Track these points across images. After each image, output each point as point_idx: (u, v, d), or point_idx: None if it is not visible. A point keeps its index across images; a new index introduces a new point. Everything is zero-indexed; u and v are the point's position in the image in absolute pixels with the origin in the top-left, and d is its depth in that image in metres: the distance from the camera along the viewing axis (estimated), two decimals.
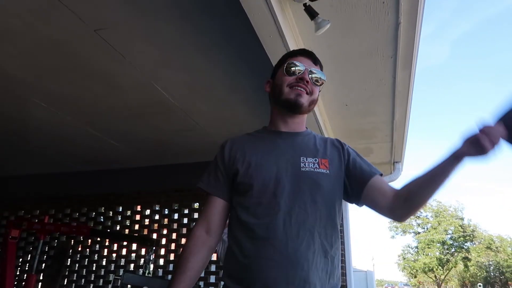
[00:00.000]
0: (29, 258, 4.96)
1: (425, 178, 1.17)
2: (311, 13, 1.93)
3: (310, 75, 1.31)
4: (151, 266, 3.50)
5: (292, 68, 1.31)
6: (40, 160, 4.85)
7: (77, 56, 2.65)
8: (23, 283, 4.00)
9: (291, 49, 2.12)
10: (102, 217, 4.95)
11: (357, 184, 1.30)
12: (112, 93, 3.15)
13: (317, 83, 1.33)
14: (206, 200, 1.35)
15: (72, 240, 4.83)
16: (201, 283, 4.16)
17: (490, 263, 39.54)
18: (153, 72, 2.85)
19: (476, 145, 1.04)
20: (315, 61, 1.36)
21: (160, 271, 4.37)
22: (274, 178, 1.22)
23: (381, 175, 1.33)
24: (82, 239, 4.79)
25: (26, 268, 4.91)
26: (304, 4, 1.93)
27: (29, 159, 4.85)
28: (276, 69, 1.41)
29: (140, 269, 4.36)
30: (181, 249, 4.36)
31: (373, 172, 1.32)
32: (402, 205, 1.22)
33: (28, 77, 2.94)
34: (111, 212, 4.91)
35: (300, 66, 1.31)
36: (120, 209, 4.88)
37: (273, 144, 1.31)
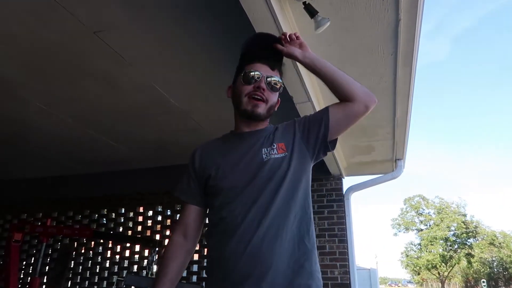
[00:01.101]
0: (32, 261, 4.97)
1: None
2: (311, 12, 1.92)
3: (267, 82, 1.34)
4: (154, 267, 3.50)
5: (249, 78, 1.35)
6: (42, 163, 4.85)
7: (77, 58, 2.65)
8: (27, 286, 4.00)
9: None
10: (104, 219, 4.95)
11: (322, 132, 1.33)
12: (113, 94, 3.15)
13: (274, 88, 1.36)
14: (182, 207, 1.47)
15: (75, 243, 4.83)
16: (204, 284, 4.15)
17: (494, 259, 39.48)
18: (153, 73, 2.85)
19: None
20: (273, 66, 1.39)
21: None
22: (242, 177, 1.28)
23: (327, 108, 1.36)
24: (85, 241, 4.79)
25: (30, 271, 4.91)
26: (304, 3, 1.93)
27: (31, 162, 4.86)
28: (236, 75, 1.47)
29: (143, 271, 4.36)
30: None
31: (324, 110, 1.36)
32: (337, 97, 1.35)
33: (28, 80, 2.94)
34: (113, 214, 4.92)
35: (256, 73, 1.35)
36: (123, 210, 4.89)
37: (238, 145, 1.38)
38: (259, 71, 1.36)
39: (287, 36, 1.39)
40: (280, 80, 1.40)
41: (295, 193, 1.28)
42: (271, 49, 1.42)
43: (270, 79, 1.35)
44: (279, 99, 1.44)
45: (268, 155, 1.31)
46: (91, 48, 2.52)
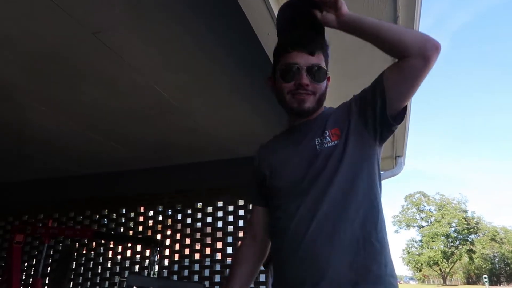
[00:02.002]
0: (34, 262, 4.97)
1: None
2: None
3: (308, 75, 1.18)
4: (156, 267, 3.51)
5: (287, 74, 1.19)
6: (42, 164, 4.85)
7: (76, 59, 2.65)
8: (29, 287, 4.01)
9: None
10: (105, 219, 4.96)
11: (379, 105, 1.11)
12: (112, 96, 3.15)
13: (318, 78, 1.19)
14: (252, 210, 1.42)
15: (77, 243, 4.84)
16: (207, 283, 4.16)
17: (495, 254, 39.50)
18: (152, 73, 2.85)
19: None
20: (312, 50, 1.20)
21: (165, 272, 4.38)
22: (293, 174, 1.18)
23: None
24: (86, 242, 4.80)
25: (32, 272, 4.92)
26: None
27: (32, 164, 4.86)
28: (274, 66, 1.30)
29: (145, 270, 4.37)
30: (186, 249, 4.38)
31: (378, 76, 1.15)
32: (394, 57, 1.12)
33: (27, 82, 2.94)
34: (114, 214, 4.92)
35: (295, 68, 1.18)
36: (124, 211, 4.89)
37: (291, 140, 1.28)
38: (297, 63, 1.18)
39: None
40: (324, 66, 1.21)
41: (355, 183, 1.11)
42: (306, 27, 1.21)
43: (311, 69, 1.18)
44: (329, 76, 1.26)
45: (321, 145, 1.16)
46: (90, 49, 2.52)
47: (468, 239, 38.25)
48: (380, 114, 1.11)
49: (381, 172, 1.22)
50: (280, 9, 1.27)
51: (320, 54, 1.22)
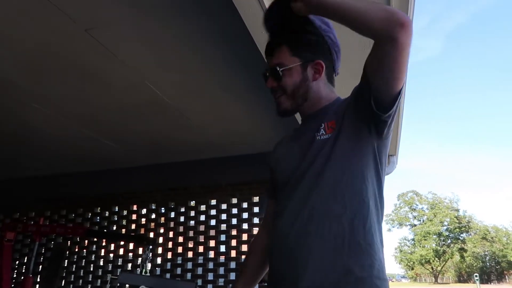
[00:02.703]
0: (25, 260, 4.94)
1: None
2: None
3: (271, 76, 1.18)
4: (149, 265, 3.50)
5: (265, 81, 1.23)
6: (34, 162, 4.81)
7: (69, 56, 2.62)
8: (20, 285, 3.98)
9: None
10: (98, 217, 4.94)
11: (367, 94, 1.03)
12: (105, 93, 3.13)
13: (277, 75, 1.16)
14: (267, 204, 1.42)
15: (69, 241, 4.81)
16: (199, 281, 4.16)
17: (486, 253, 39.94)
18: (146, 71, 2.83)
19: None
20: (271, 52, 1.20)
21: (158, 270, 4.37)
22: (289, 167, 1.18)
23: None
24: (78, 240, 4.78)
25: (23, 270, 4.89)
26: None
27: (23, 161, 4.82)
28: None
29: (137, 269, 4.36)
30: (179, 247, 4.38)
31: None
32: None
33: (20, 79, 2.91)
34: (107, 212, 4.90)
35: (264, 76, 1.22)
36: (116, 209, 4.87)
37: (296, 133, 1.28)
38: (265, 70, 1.21)
39: None
40: (279, 62, 1.16)
41: (345, 178, 1.05)
42: (270, 28, 1.21)
43: (271, 71, 1.18)
44: (319, 62, 1.19)
45: (316, 138, 1.12)
46: (83, 46, 2.50)
47: (460, 237, 38.63)
48: (369, 106, 1.02)
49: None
50: (263, 18, 1.23)
51: (282, 47, 1.18)
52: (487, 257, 40.25)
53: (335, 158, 1.06)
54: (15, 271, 4.88)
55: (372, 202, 1.05)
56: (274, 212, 1.23)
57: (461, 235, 38.93)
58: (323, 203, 1.04)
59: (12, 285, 4.58)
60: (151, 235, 4.55)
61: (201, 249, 4.31)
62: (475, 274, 33.47)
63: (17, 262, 4.93)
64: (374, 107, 1.01)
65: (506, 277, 39.38)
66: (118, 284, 3.00)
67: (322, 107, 1.20)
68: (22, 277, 4.58)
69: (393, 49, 0.92)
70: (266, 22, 1.21)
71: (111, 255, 4.64)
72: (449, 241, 39.12)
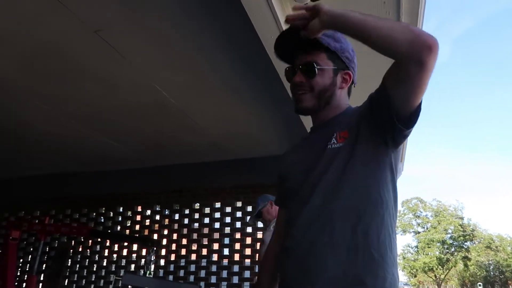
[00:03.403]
0: (29, 259, 4.95)
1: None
2: None
3: (302, 72, 1.16)
4: (152, 266, 3.50)
5: (287, 75, 1.22)
6: (40, 161, 4.84)
7: (77, 57, 2.64)
8: (24, 283, 3.99)
9: None
10: (102, 217, 4.95)
11: (386, 108, 1.00)
12: (112, 94, 3.15)
13: (311, 73, 1.14)
14: (278, 212, 1.40)
15: (73, 241, 4.83)
16: (202, 284, 4.15)
17: (490, 262, 39.56)
18: (153, 72, 2.84)
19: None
20: (306, 49, 1.17)
21: (161, 272, 4.37)
22: (301, 176, 1.15)
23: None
24: (82, 240, 4.79)
25: (27, 269, 4.90)
26: (305, 4, 1.93)
27: (29, 161, 4.85)
28: None
29: (141, 270, 4.36)
30: (182, 249, 4.37)
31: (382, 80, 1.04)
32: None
33: (27, 79, 2.93)
34: (111, 213, 4.91)
35: (290, 70, 1.20)
36: (121, 209, 4.88)
37: (307, 141, 1.25)
38: (295, 64, 1.18)
39: (297, 16, 1.08)
40: (317, 61, 1.15)
41: (359, 189, 1.04)
42: (294, 35, 1.15)
43: (304, 67, 1.15)
44: (348, 72, 1.20)
45: (328, 148, 1.11)
46: (91, 47, 2.52)
47: (464, 246, 38.29)
48: (389, 119, 0.99)
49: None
50: (274, 49, 1.23)
51: (320, 53, 1.16)
52: (491, 266, 39.85)
53: (351, 169, 1.05)
54: (19, 269, 4.90)
55: (387, 214, 1.05)
56: (285, 220, 1.21)
57: (465, 243, 38.60)
58: (338, 213, 1.03)
59: (16, 283, 4.59)
60: (155, 236, 4.55)
61: (204, 251, 4.31)
62: (479, 283, 33.15)
63: (21, 260, 4.95)
64: (396, 122, 0.99)
65: (510, 287, 38.96)
66: (121, 285, 3.00)
67: (335, 115, 1.19)
68: (26, 276, 4.59)
69: (419, 72, 0.90)
70: (279, 47, 1.22)
71: (115, 255, 4.65)
72: (453, 249, 38.78)
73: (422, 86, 0.94)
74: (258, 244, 4.09)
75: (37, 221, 4.97)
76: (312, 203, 1.07)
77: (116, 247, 4.68)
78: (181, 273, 4.31)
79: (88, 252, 4.75)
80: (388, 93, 0.99)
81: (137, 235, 4.65)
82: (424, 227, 40.55)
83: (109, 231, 4.80)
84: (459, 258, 37.56)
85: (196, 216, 4.51)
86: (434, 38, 0.88)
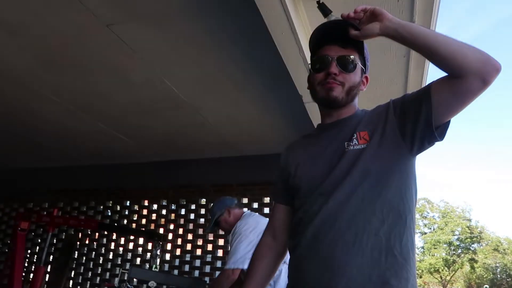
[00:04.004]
0: (37, 250, 5.01)
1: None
2: (324, 11, 1.90)
3: (338, 65, 1.17)
4: (158, 260, 3.51)
5: (319, 65, 1.20)
6: (49, 153, 4.88)
7: (89, 50, 2.65)
8: (32, 274, 4.04)
9: (303, 47, 2.10)
10: (109, 211, 4.98)
11: (423, 117, 1.04)
12: (122, 88, 3.16)
13: (349, 68, 1.18)
14: (273, 208, 1.41)
15: (80, 233, 4.87)
16: (207, 279, 4.17)
17: (497, 265, 39.22)
18: (164, 68, 2.85)
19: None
20: (344, 45, 1.20)
21: (166, 266, 4.39)
22: (318, 174, 1.15)
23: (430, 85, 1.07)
24: (89, 232, 4.83)
25: (35, 260, 4.96)
26: (318, 1, 1.91)
27: (39, 152, 4.89)
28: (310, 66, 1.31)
29: (146, 264, 4.39)
30: (188, 244, 4.39)
31: (425, 88, 1.07)
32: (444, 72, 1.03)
33: (39, 71, 2.95)
34: (118, 206, 4.94)
35: (325, 59, 1.18)
36: (128, 203, 4.91)
37: (320, 139, 1.25)
38: (327, 54, 1.18)
39: (354, 16, 1.14)
40: (354, 58, 1.19)
41: (383, 191, 1.06)
42: (340, 28, 1.19)
43: (341, 60, 1.17)
44: (367, 77, 1.27)
45: (348, 148, 1.12)
46: (103, 41, 2.53)
47: (471, 248, 37.99)
48: (424, 126, 1.04)
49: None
50: (316, 29, 1.26)
51: (353, 50, 1.21)
52: (498, 269, 39.51)
53: (375, 172, 1.08)
54: (27, 260, 4.96)
55: (410, 217, 1.08)
56: (297, 218, 1.19)
57: (472, 245, 38.29)
58: (362, 215, 1.05)
59: (24, 274, 4.65)
60: (161, 231, 4.57)
61: (209, 247, 4.32)
62: (485, 285, 32.90)
63: (29, 251, 5.01)
64: (434, 129, 1.03)
65: None
66: (128, 278, 3.01)
67: (349, 115, 1.22)
68: (34, 267, 4.65)
69: (480, 88, 0.97)
70: (320, 30, 1.24)
71: (121, 249, 4.68)
72: (459, 251, 38.51)
73: (470, 101, 1.01)
74: None
75: (45, 212, 5.02)
76: (336, 201, 1.08)
77: (122, 241, 4.71)
78: (186, 267, 4.33)
79: (95, 244, 4.79)
80: (434, 102, 1.02)
81: (144, 229, 4.68)
82: (431, 228, 40.29)
83: (115, 224, 4.84)
84: (466, 260, 37.30)
85: (202, 211, 4.52)
86: (499, 62, 0.97)
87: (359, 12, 1.12)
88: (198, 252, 4.36)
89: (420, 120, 1.05)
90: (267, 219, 2.67)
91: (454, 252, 38.42)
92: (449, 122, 1.06)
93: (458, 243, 38.28)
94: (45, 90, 3.24)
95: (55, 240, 4.93)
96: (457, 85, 0.99)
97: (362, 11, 1.12)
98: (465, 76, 0.97)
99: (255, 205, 4.30)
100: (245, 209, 2.82)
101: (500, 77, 0.98)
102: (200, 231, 4.44)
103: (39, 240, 5.04)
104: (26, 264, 4.91)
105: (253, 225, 2.49)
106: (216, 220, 2.66)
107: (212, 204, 2.85)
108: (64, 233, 4.95)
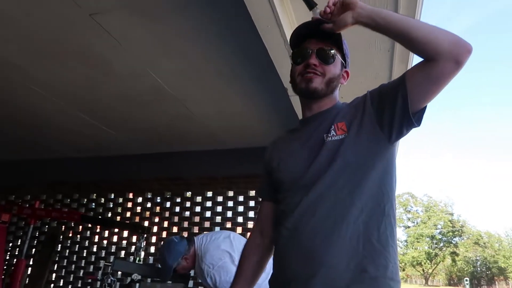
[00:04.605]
0: (19, 243, 4.94)
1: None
2: (310, 4, 1.90)
3: (317, 57, 1.20)
4: (142, 253, 3.50)
5: (298, 57, 1.23)
6: (32, 145, 4.80)
7: (72, 41, 2.60)
8: (13, 267, 3.98)
9: (288, 40, 2.10)
10: (93, 203, 4.93)
11: (400, 105, 1.06)
12: (107, 79, 3.11)
13: (328, 59, 1.20)
14: (260, 205, 1.41)
15: (63, 226, 4.81)
16: (191, 272, 4.16)
17: (478, 258, 40.18)
18: (149, 59, 2.82)
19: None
20: (322, 38, 1.22)
21: (151, 259, 4.38)
22: (299, 166, 1.17)
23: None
24: (73, 225, 4.78)
25: (16, 253, 4.89)
26: None
27: (21, 145, 4.80)
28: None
29: (130, 256, 4.37)
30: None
31: (400, 77, 1.10)
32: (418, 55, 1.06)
33: (22, 62, 2.89)
34: (103, 199, 4.89)
35: (305, 51, 1.21)
36: (112, 196, 4.87)
37: (301, 132, 1.27)
38: (307, 47, 1.21)
39: (326, 12, 1.15)
40: (334, 51, 1.21)
41: (362, 181, 1.08)
42: (317, 25, 1.20)
43: (320, 51, 1.20)
44: (348, 71, 1.30)
45: (327, 139, 1.14)
46: (86, 31, 2.48)
47: (452, 241, 38.81)
48: (401, 114, 1.06)
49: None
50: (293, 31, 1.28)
51: (333, 45, 1.23)
52: (478, 262, 40.49)
53: (354, 162, 1.09)
54: (8, 253, 4.88)
55: (389, 205, 1.10)
56: (280, 211, 1.20)
57: (454, 239, 39.13)
58: (341, 204, 1.07)
59: (5, 267, 4.59)
60: (146, 223, 4.55)
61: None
62: (466, 278, 33.71)
63: (10, 244, 4.93)
64: (411, 115, 1.05)
65: (496, 283, 39.65)
66: (111, 271, 3.00)
67: (329, 108, 1.24)
68: (15, 260, 4.59)
69: (453, 70, 0.99)
70: (297, 30, 1.27)
71: (105, 241, 4.65)
72: (441, 244, 39.30)
73: (445, 85, 1.03)
74: (248, 234, 4.10)
75: (27, 205, 4.94)
76: (316, 192, 1.09)
77: (106, 233, 4.67)
78: None
79: (78, 237, 4.74)
80: (409, 89, 1.04)
81: (128, 222, 4.65)
82: (414, 222, 40.99)
83: (99, 217, 4.79)
84: (447, 253, 38.11)
85: (188, 204, 4.51)
86: (470, 43, 0.99)
87: (331, 6, 1.13)
88: (185, 235, 4.35)
89: (397, 108, 1.06)
90: (221, 232, 2.61)
91: (436, 245, 39.19)
92: (425, 107, 1.08)
93: (440, 237, 39.04)
94: (28, 81, 3.18)
95: (37, 233, 4.87)
96: (431, 69, 1.01)
97: (333, 5, 1.13)
98: (438, 59, 0.99)
99: (241, 198, 4.31)
100: (194, 238, 2.56)
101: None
102: (185, 224, 4.43)
103: (21, 233, 4.97)
104: (7, 257, 4.84)
105: (216, 252, 2.37)
106: (174, 269, 2.44)
107: (159, 252, 2.48)
108: (47, 226, 4.89)
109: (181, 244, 2.45)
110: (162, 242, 2.64)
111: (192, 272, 2.72)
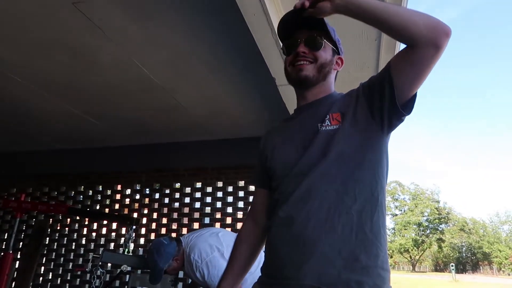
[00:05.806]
0: (5, 237, 4.88)
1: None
2: None
3: (307, 45, 1.21)
4: (131, 245, 3.49)
5: (289, 48, 1.25)
6: (17, 137, 4.72)
7: (54, 30, 2.55)
8: (0, 261, 3.93)
9: (275, 29, 2.09)
10: (81, 196, 4.89)
11: (388, 94, 1.07)
12: (91, 69, 3.06)
13: (316, 45, 1.21)
14: (254, 193, 1.41)
15: (51, 219, 4.76)
16: None
17: (463, 244, 41.06)
18: (134, 49, 2.77)
19: None
20: (311, 27, 1.22)
21: (141, 250, 4.37)
22: (292, 155, 1.17)
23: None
24: (61, 218, 4.73)
25: (3, 247, 4.83)
26: None
27: (5, 136, 4.72)
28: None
29: (119, 248, 4.35)
30: (162, 228, 4.38)
31: (385, 66, 1.10)
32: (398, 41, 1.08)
33: (3, 52, 2.82)
34: (90, 191, 4.85)
35: (294, 42, 1.23)
36: (100, 188, 4.83)
37: (295, 121, 1.27)
38: (296, 37, 1.23)
39: (305, 5, 1.13)
40: (322, 37, 1.22)
41: (356, 171, 1.09)
42: (300, 15, 1.19)
43: (309, 39, 1.21)
44: (341, 58, 1.30)
45: (321, 129, 1.14)
46: (69, 20, 2.43)
47: (439, 228, 39.58)
48: (389, 104, 1.07)
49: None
50: (278, 26, 1.29)
51: (321, 33, 1.24)
52: (464, 248, 41.42)
53: (348, 152, 1.10)
54: None
55: (381, 195, 1.11)
56: (273, 200, 1.21)
57: (440, 226, 39.90)
58: (335, 194, 1.07)
59: None
60: (135, 215, 4.53)
61: (184, 231, 4.32)
62: (451, 264, 34.45)
63: None
64: (398, 105, 1.06)
65: (481, 267, 40.65)
66: (100, 263, 2.98)
67: (324, 96, 1.24)
68: (2, 253, 4.53)
69: (432, 55, 0.99)
70: (281, 24, 1.27)
71: (94, 234, 4.62)
72: (428, 231, 40.05)
73: (429, 70, 1.03)
74: (239, 224, 4.12)
75: (13, 198, 4.88)
76: (309, 181, 1.10)
77: (95, 226, 4.64)
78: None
79: (67, 230, 4.70)
80: (394, 77, 1.05)
81: (117, 214, 4.62)
82: (401, 210, 41.63)
83: (87, 209, 4.75)
84: (434, 240, 38.86)
85: (177, 195, 4.50)
86: (449, 26, 0.98)
87: None
88: (173, 236, 4.35)
89: (385, 99, 1.08)
90: (208, 228, 2.62)
91: (423, 232, 39.89)
92: (415, 95, 1.08)
93: (427, 224, 39.74)
94: (10, 71, 3.11)
95: (24, 227, 4.81)
96: (412, 55, 1.01)
97: None
98: (417, 44, 0.99)
99: (230, 188, 4.31)
100: (181, 239, 2.53)
101: None
102: (175, 215, 4.43)
103: (7, 227, 4.91)
104: None
105: (204, 245, 2.36)
106: (165, 271, 2.42)
107: (149, 256, 2.45)
108: (34, 219, 4.84)
109: (171, 246, 2.43)
110: (150, 244, 2.61)
111: (181, 274, 2.70)
